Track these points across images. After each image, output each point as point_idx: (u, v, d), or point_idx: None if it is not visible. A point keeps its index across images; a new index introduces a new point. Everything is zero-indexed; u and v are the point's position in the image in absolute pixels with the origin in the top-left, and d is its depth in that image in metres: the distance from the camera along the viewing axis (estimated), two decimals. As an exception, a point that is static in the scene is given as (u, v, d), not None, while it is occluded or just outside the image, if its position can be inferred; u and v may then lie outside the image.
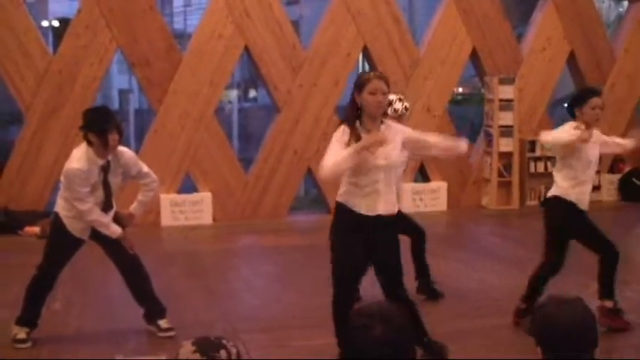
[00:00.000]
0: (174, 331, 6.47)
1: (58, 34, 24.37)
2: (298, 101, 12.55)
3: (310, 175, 12.80)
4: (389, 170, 5.40)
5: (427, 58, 13.18)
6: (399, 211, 5.76)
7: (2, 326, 6.45)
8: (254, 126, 24.24)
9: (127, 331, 6.72)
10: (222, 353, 2.53)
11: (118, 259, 6.48)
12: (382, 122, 5.43)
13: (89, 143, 6.13)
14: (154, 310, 6.61)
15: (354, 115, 5.38)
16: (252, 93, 33.01)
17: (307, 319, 6.94)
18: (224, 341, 2.58)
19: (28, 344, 6.27)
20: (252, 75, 21.71)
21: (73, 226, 6.29)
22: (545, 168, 13.46)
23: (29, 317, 6.36)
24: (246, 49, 12.39)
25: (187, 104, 12.09)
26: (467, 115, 20.55)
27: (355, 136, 5.28)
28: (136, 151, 11.86)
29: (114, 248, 6.39)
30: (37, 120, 11.64)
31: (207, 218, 12.14)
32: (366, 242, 5.43)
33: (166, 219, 11.94)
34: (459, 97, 24.56)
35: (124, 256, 6.41)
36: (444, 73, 13.23)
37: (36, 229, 10.95)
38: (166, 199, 11.93)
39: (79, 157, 6.11)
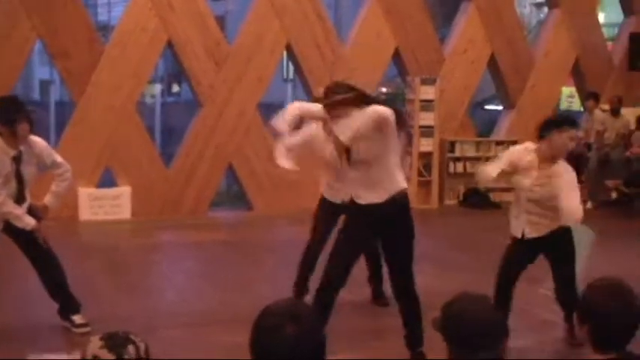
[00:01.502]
0: (89, 327, 6.40)
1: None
2: (221, 97, 12.49)
3: (232, 170, 12.76)
4: None
5: (351, 56, 13.24)
6: None
7: None
8: (177, 121, 24.06)
9: (42, 327, 6.63)
10: (131, 349, 2.51)
11: (31, 253, 6.38)
12: None
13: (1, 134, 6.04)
14: (68, 305, 6.53)
15: None
16: (175, 88, 32.75)
17: (228, 315, 6.93)
18: (132, 336, 2.56)
19: None
20: (175, 69, 21.50)
21: None
22: (464, 168, 13.68)
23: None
24: (170, 43, 12.29)
25: (109, 97, 11.92)
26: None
27: None
28: (56, 143, 11.72)
29: (27, 241, 6.29)
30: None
31: (126, 213, 11.99)
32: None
33: (85, 213, 11.76)
34: (383, 97, 24.74)
35: (37, 249, 6.31)
36: (368, 71, 13.29)
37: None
38: (85, 192, 11.76)
39: None
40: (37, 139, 6.32)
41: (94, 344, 2.51)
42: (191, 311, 7.21)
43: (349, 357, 5.68)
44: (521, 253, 6.11)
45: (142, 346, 2.54)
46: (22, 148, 6.12)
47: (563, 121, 6.08)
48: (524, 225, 6.01)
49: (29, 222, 6.17)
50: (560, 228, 5.88)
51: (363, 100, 5.35)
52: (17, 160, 6.11)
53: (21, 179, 6.16)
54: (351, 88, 5.49)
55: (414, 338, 5.67)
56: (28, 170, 6.23)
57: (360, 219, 5.56)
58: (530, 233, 6.00)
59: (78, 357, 5.38)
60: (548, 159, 5.87)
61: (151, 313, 7.07)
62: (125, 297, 7.58)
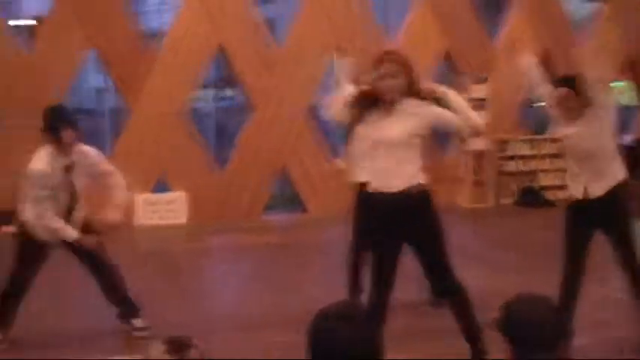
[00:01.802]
0: (148, 330, 6.46)
1: (32, 33, 24.21)
2: (273, 100, 12.54)
3: (285, 173, 12.81)
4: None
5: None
6: None
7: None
8: (230, 125, 24.17)
9: (103, 331, 6.70)
10: (192, 352, 2.55)
11: (86, 262, 6.43)
12: None
13: (50, 142, 6.09)
14: (128, 310, 6.59)
15: None
16: (227, 92, 32.89)
17: (282, 317, 6.96)
18: (193, 340, 2.60)
19: (4, 345, 6.27)
20: (227, 74, 21.62)
21: (41, 231, 6.20)
22: (519, 167, 13.60)
23: (2, 320, 6.34)
24: (221, 47, 12.37)
25: (162, 103, 12.05)
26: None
27: None
28: (111, 150, 11.86)
29: (78, 251, 6.33)
30: (13, 119, 11.56)
31: (181, 217, 12.12)
32: None
33: (140, 218, 11.90)
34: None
35: (92, 257, 6.36)
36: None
37: (12, 228, 10.86)
38: (140, 198, 11.90)
39: (40, 156, 6.06)
40: (88, 149, 6.32)
41: (157, 348, 2.55)
42: (246, 314, 7.23)
43: (401, 357, 5.67)
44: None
45: (202, 350, 2.58)
46: (74, 158, 6.13)
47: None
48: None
49: (71, 234, 6.15)
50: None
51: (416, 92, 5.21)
52: (69, 169, 6.14)
53: (72, 189, 6.19)
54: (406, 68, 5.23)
55: (471, 336, 5.55)
56: (79, 180, 6.23)
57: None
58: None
59: (140, 358, 5.46)
60: None
61: (206, 316, 7.11)
62: (181, 300, 7.63)
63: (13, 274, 6.27)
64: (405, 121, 5.14)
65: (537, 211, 12.66)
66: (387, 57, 5.21)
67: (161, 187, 12.51)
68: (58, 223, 6.13)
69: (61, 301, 7.62)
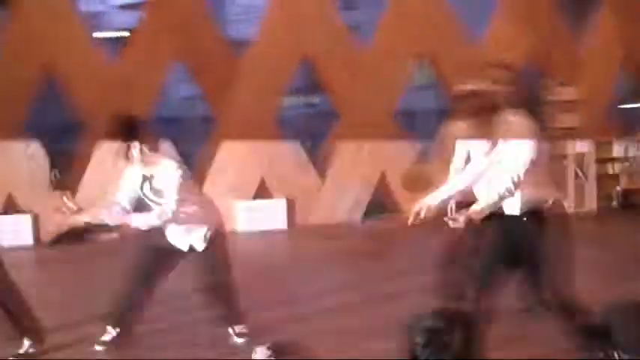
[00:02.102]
0: (248, 336, 6.42)
1: (119, 44, 24.71)
2: (358, 106, 12.51)
3: (382, 179, 12.84)
4: None
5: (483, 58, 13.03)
6: None
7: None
8: (316, 132, 24.29)
9: (201, 333, 6.78)
10: (296, 358, 2.56)
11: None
12: None
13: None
14: (231, 315, 6.56)
15: None
16: (313, 99, 33.06)
17: (384, 323, 6.90)
18: (299, 346, 2.61)
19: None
20: (312, 81, 21.72)
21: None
22: (615, 169, 13.37)
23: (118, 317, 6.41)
24: (305, 55, 12.43)
25: (249, 111, 12.12)
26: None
27: None
28: (200, 159, 11.91)
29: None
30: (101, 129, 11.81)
31: (281, 223, 12.17)
32: None
33: (241, 224, 12.05)
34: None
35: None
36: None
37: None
38: (241, 205, 11.95)
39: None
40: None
41: (261, 352, 2.57)
42: (346, 320, 7.22)
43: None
44: None
45: (308, 354, 2.59)
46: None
47: None
48: None
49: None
50: None
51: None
52: (146, 179, 6.07)
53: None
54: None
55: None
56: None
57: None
58: None
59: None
60: None
61: (306, 322, 7.11)
62: (282, 305, 7.63)
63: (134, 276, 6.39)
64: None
65: (630, 213, 12.36)
66: (496, 65, 5.24)
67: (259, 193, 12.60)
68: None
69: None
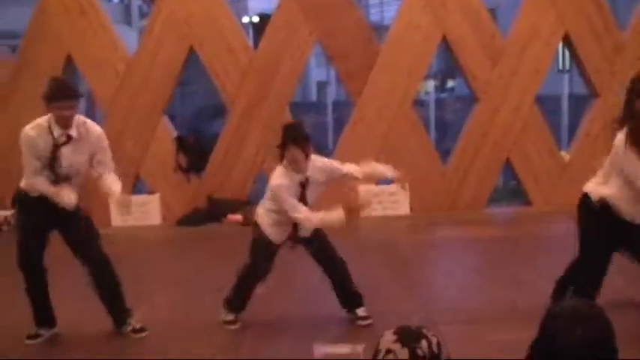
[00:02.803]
0: (371, 319, 6.53)
1: (258, 29, 25.09)
2: (497, 91, 12.35)
3: (509, 165, 12.59)
4: None
5: (633, 42, 12.60)
6: None
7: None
8: (451, 116, 24.07)
9: (327, 319, 6.84)
10: (424, 343, 2.53)
11: (316, 255, 6.61)
12: None
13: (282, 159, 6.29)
14: (351, 299, 6.69)
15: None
16: (449, 83, 32.78)
17: (505, 313, 6.84)
18: (425, 331, 2.58)
19: (237, 325, 6.60)
20: (448, 65, 21.57)
21: (273, 234, 6.48)
22: None
23: (236, 303, 6.64)
24: (444, 39, 12.32)
25: (385, 96, 12.17)
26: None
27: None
28: (334, 143, 12.09)
29: (314, 246, 6.53)
30: (240, 113, 12.08)
31: (404, 209, 12.18)
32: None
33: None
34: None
35: (321, 250, 6.54)
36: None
37: (238, 217, 11.38)
38: (364, 189, 12.05)
39: (277, 174, 6.29)
40: (322, 161, 6.44)
41: (388, 338, 2.55)
42: (468, 308, 7.15)
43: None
44: None
45: (435, 341, 2.55)
46: (309, 174, 6.25)
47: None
48: None
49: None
50: None
51: None
52: (303, 186, 6.31)
53: (304, 204, 6.30)
54: None
55: None
56: (313, 194, 6.37)
57: None
58: None
59: (361, 349, 5.53)
60: None
61: (429, 308, 7.10)
62: (404, 291, 7.65)
63: (249, 266, 6.54)
64: None
65: None
66: None
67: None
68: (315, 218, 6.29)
69: (287, 287, 7.80)
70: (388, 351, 2.51)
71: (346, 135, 12.41)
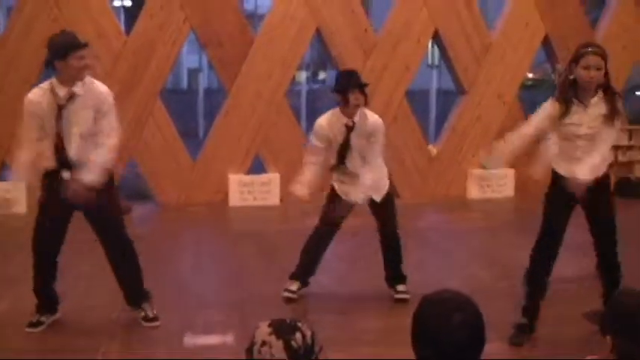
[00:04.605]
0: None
1: (131, 14, 24.65)
2: (369, 85, 12.48)
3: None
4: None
5: (499, 43, 13.05)
6: None
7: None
8: (323, 107, 24.21)
9: (196, 309, 6.83)
10: (298, 335, 2.57)
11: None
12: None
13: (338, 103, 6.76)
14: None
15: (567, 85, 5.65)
16: (321, 75, 33.05)
17: (376, 301, 7.00)
18: (299, 324, 2.63)
19: (295, 295, 6.99)
20: (321, 56, 21.74)
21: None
22: (616, 157, 13.29)
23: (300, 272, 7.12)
24: (318, 31, 12.42)
25: (259, 85, 12.19)
26: (537, 101, 20.20)
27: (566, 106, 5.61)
28: (205, 129, 12.03)
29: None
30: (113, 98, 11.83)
31: (275, 199, 12.23)
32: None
33: (234, 199, 12.07)
34: (529, 83, 24.25)
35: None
36: (516, 58, 13.09)
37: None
38: (235, 179, 12.06)
39: (326, 116, 6.95)
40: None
41: (263, 330, 2.59)
42: (341, 296, 7.27)
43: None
44: None
45: (309, 333, 2.61)
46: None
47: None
48: None
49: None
50: None
51: None
52: (349, 129, 6.80)
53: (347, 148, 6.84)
54: None
55: None
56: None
57: None
58: None
59: (231, 339, 5.55)
60: None
61: (300, 298, 7.17)
62: (275, 281, 7.68)
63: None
64: (598, 115, 5.62)
65: (636, 203, 12.35)
66: (592, 49, 5.59)
67: (258, 168, 12.66)
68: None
69: (153, 278, 7.72)
70: (263, 343, 2.55)
71: (219, 123, 12.36)
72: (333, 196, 7.03)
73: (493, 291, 7.08)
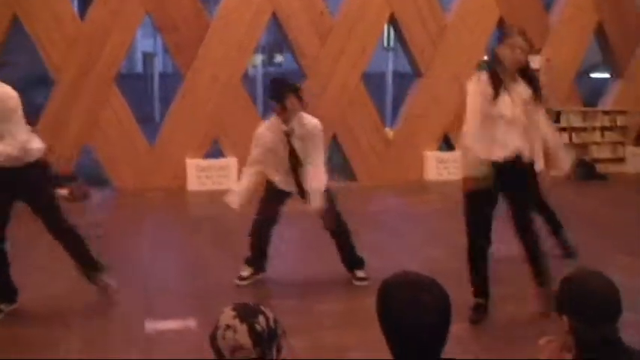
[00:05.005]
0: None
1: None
2: (325, 68, 12.56)
3: (335, 141, 12.82)
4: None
5: (455, 25, 13.13)
6: None
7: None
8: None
9: (156, 294, 6.82)
10: (261, 319, 2.61)
11: None
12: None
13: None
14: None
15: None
16: (277, 58, 32.94)
17: (337, 285, 7.05)
18: (262, 307, 2.67)
19: (250, 281, 7.00)
20: (277, 40, 21.66)
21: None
22: (570, 138, 13.47)
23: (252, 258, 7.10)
24: (274, 15, 12.40)
25: (215, 69, 12.15)
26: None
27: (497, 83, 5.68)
28: (161, 114, 11.98)
29: None
30: (67, 84, 11.72)
31: (232, 183, 12.20)
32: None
33: (192, 184, 12.04)
34: (485, 66, 24.48)
35: None
36: (472, 40, 13.18)
37: (65, 191, 11.07)
38: (193, 163, 12.03)
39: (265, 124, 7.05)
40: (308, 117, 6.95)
41: (227, 314, 2.62)
42: (300, 281, 7.31)
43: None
44: None
45: (271, 317, 2.64)
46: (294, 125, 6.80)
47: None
48: None
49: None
50: None
51: None
52: (288, 135, 6.91)
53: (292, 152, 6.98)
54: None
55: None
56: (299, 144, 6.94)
57: None
58: None
59: (193, 324, 5.57)
60: None
61: (259, 283, 7.20)
62: (233, 266, 7.69)
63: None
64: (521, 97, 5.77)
65: (590, 185, 12.53)
66: (520, 32, 5.77)
67: (215, 152, 12.63)
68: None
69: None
70: (227, 327, 2.58)
71: (175, 108, 12.30)
72: (270, 187, 6.98)
73: (450, 272, 7.13)
